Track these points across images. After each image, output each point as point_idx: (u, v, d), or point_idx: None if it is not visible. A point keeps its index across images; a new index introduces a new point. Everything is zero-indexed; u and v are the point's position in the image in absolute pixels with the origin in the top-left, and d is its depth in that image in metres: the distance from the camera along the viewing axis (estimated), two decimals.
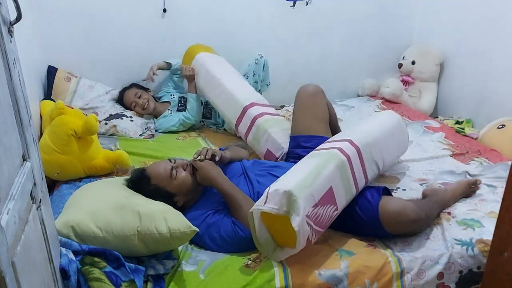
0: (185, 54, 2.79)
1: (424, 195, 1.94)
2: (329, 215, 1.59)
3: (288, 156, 2.18)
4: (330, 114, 2.24)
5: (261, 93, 2.85)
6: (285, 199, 1.46)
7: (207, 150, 1.83)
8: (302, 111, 2.19)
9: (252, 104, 2.38)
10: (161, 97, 2.94)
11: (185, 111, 2.78)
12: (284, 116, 3.01)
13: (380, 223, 1.64)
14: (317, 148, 1.84)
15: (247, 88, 2.55)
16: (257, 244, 1.57)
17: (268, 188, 1.53)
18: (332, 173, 1.62)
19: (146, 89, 2.87)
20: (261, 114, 2.33)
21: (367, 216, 1.68)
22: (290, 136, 2.21)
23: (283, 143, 2.22)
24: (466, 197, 1.98)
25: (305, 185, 1.51)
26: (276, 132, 2.25)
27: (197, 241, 1.67)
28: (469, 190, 2.00)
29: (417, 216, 1.65)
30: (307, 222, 1.48)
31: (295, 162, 1.95)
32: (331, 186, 1.59)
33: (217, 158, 1.82)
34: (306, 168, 1.62)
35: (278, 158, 2.23)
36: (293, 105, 3.20)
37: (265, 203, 1.49)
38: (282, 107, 3.19)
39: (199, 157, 1.80)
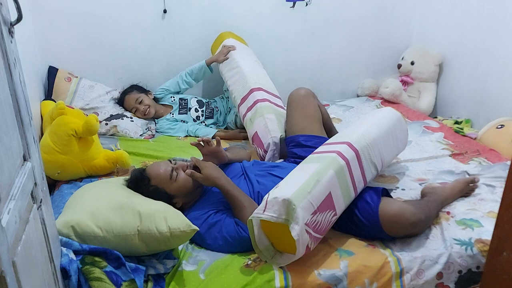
0: (216, 40, 2.88)
1: (423, 194, 1.94)
2: (328, 221, 1.59)
3: (287, 156, 2.18)
4: (323, 115, 2.24)
5: None
6: (284, 207, 1.46)
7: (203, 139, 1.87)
8: (295, 112, 2.19)
9: (259, 88, 2.41)
10: (161, 98, 2.92)
11: (186, 113, 2.80)
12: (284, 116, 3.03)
13: (380, 226, 1.64)
14: (316, 151, 1.83)
15: (262, 76, 2.56)
16: (257, 251, 1.57)
17: (267, 195, 1.53)
18: (331, 179, 1.61)
19: (146, 92, 2.85)
20: (265, 100, 2.34)
21: (367, 219, 1.68)
22: (286, 137, 2.21)
23: (273, 131, 2.21)
24: (465, 196, 1.98)
25: (304, 192, 1.51)
26: (272, 119, 2.25)
27: (199, 241, 1.68)
28: (468, 188, 2.00)
29: (417, 219, 1.65)
30: (306, 230, 1.48)
31: (295, 162, 1.96)
32: (330, 192, 1.59)
33: (214, 141, 1.86)
34: (305, 174, 1.61)
35: (264, 146, 2.20)
36: None
37: (264, 211, 1.49)
38: None
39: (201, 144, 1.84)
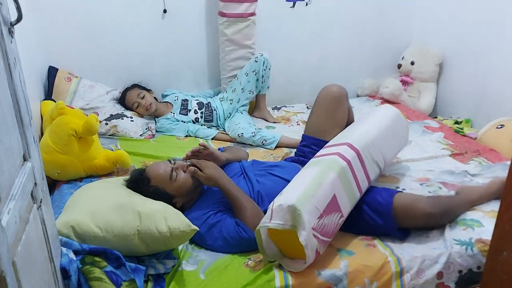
0: None
1: (456, 193, 1.94)
2: (335, 223, 1.59)
3: (295, 153, 2.18)
4: (349, 119, 2.16)
5: (260, 93, 2.88)
6: (289, 213, 1.46)
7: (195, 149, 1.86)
8: (322, 113, 2.11)
9: None
10: (167, 95, 2.94)
11: (186, 114, 2.80)
12: (284, 117, 3.03)
13: (392, 216, 1.65)
14: (316, 154, 1.83)
15: None
16: (265, 257, 1.56)
17: (272, 203, 1.53)
18: (334, 181, 1.60)
19: (148, 90, 2.86)
20: None
21: (378, 210, 1.68)
22: (303, 134, 2.18)
23: None
24: (499, 198, 1.95)
25: (308, 197, 1.50)
26: None
27: (199, 241, 1.68)
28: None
29: (429, 209, 1.66)
30: (314, 235, 1.47)
31: (297, 161, 1.96)
32: (334, 194, 1.58)
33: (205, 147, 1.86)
34: (307, 179, 1.61)
35: None
36: (292, 105, 3.23)
37: (270, 219, 1.49)
38: (281, 107, 3.20)
39: (194, 157, 1.82)
